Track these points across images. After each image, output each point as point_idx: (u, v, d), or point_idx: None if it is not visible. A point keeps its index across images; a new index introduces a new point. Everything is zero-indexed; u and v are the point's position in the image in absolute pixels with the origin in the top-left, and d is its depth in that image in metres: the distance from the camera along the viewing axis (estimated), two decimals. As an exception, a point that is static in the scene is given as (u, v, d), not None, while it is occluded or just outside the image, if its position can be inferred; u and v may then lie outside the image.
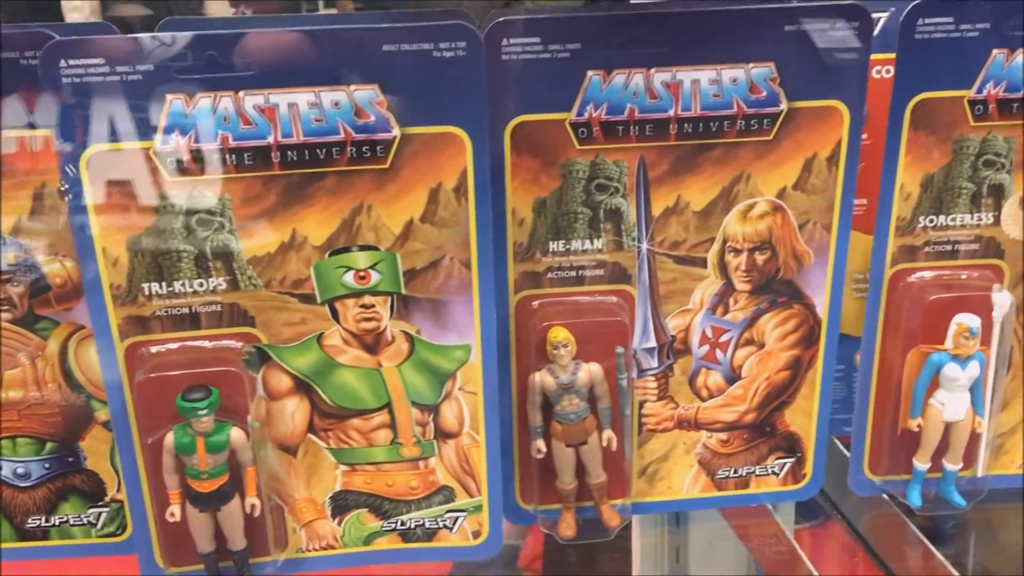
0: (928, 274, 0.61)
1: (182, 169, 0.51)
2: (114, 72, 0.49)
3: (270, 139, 0.51)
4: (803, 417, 0.64)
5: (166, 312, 0.54)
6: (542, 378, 0.59)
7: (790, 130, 0.56)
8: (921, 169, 0.59)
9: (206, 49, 0.49)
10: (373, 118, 0.51)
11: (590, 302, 0.59)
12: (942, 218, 0.60)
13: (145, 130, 0.50)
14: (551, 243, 0.58)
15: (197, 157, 0.51)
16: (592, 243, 0.58)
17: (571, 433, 0.60)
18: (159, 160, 0.51)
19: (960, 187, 0.59)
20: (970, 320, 0.59)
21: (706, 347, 0.62)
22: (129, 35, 0.50)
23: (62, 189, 0.51)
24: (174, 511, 0.55)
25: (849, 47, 0.54)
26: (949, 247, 0.61)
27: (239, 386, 0.54)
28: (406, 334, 0.56)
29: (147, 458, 0.55)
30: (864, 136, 0.68)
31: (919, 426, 0.62)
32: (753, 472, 0.65)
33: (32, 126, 0.53)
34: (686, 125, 0.56)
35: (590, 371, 0.59)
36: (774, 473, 0.65)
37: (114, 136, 0.50)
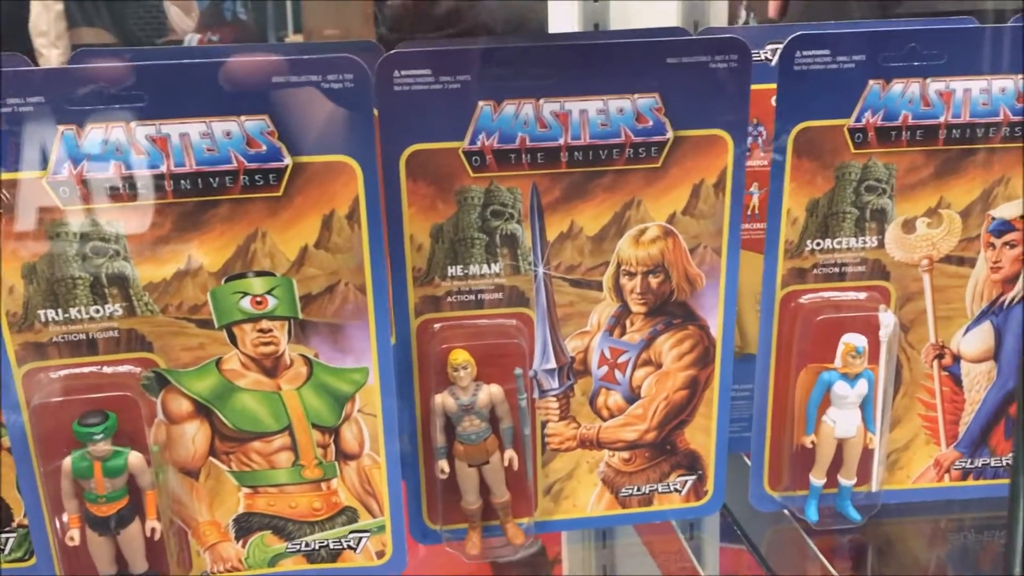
0: (817, 295, 0.63)
1: (75, 198, 0.52)
2: (5, 104, 0.50)
3: (163, 168, 0.52)
4: (702, 435, 0.65)
5: (63, 338, 0.55)
6: (443, 400, 0.60)
7: (677, 158, 0.58)
8: (806, 195, 0.61)
9: (96, 81, 0.50)
10: (265, 147, 0.53)
11: (489, 325, 0.61)
12: (828, 241, 0.62)
13: (38, 160, 0.51)
14: (449, 268, 0.59)
15: (90, 186, 0.52)
16: (490, 267, 0.60)
17: (473, 453, 0.61)
18: (52, 189, 0.52)
19: (844, 212, 0.61)
20: (857, 340, 0.61)
21: (605, 368, 0.63)
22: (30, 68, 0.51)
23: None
24: (73, 535, 0.56)
25: (730, 79, 0.56)
26: (836, 269, 0.63)
27: (136, 411, 0.55)
28: (304, 358, 0.57)
29: (47, 483, 0.56)
30: (764, 162, 0.71)
31: (813, 443, 0.64)
32: (656, 490, 0.67)
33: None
34: (576, 153, 0.57)
35: (490, 392, 0.60)
36: (676, 490, 0.67)
37: (6, 166, 0.51)
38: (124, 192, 0.52)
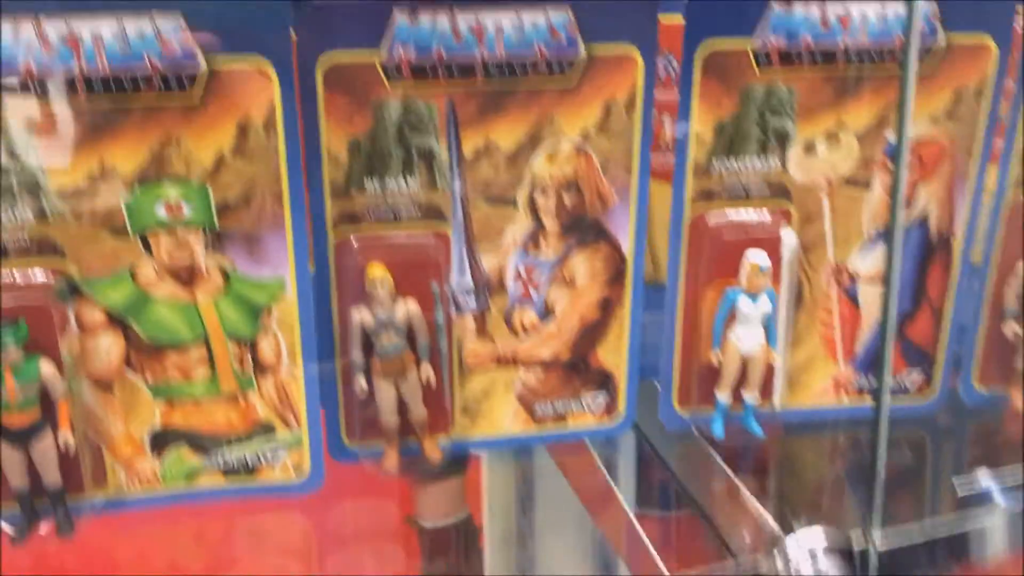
0: (723, 216, 0.65)
1: (-17, 97, 0.51)
2: (-93, -3, 0.49)
3: (73, 68, 0.52)
4: (614, 355, 0.68)
5: (-29, 244, 0.54)
6: (361, 314, 0.61)
7: (590, 75, 0.60)
8: (713, 116, 0.63)
9: (5, -24, 0.50)
10: (179, 50, 0.53)
11: (407, 240, 0.62)
12: (734, 162, 0.64)
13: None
14: (367, 182, 0.60)
15: (-2, 86, 0.51)
16: (407, 183, 0.61)
17: (390, 368, 0.62)
18: (-42, 88, 0.51)
19: (749, 133, 0.64)
20: (760, 258, 0.64)
21: (520, 285, 0.65)
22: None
23: None
24: (-15, 447, 0.55)
25: (639, -4, 0.58)
26: (742, 190, 0.65)
27: (48, 320, 0.55)
28: (221, 268, 0.57)
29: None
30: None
31: (719, 359, 0.67)
32: (570, 408, 0.68)
33: None
34: (491, 68, 0.59)
35: (408, 308, 0.61)
36: (589, 409, 0.69)
37: (-89, 62, 0.50)
38: (33, 91, 0.52)
